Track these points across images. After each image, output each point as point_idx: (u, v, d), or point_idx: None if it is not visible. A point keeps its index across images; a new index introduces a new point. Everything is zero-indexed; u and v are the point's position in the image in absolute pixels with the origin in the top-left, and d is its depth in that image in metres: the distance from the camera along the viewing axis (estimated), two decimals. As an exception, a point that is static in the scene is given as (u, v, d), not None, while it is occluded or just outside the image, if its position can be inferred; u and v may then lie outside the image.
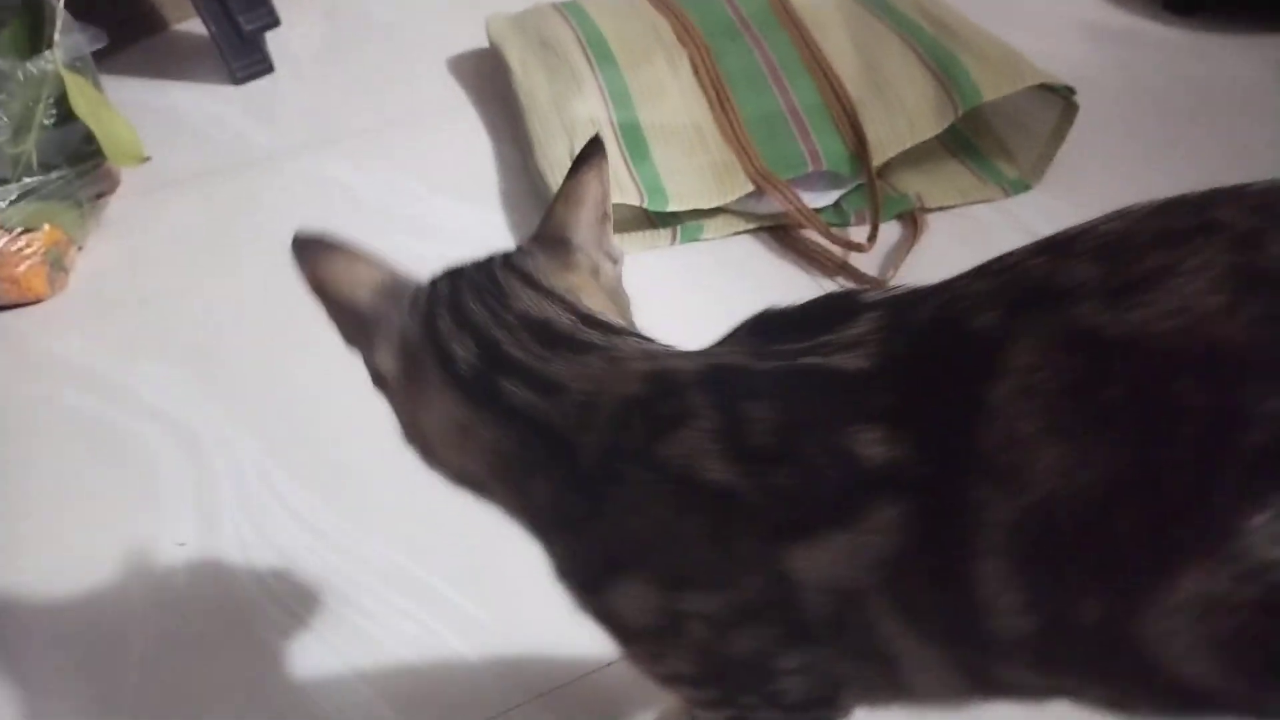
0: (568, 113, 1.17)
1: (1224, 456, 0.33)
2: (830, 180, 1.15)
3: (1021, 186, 1.17)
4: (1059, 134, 1.15)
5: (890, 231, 1.13)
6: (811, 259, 1.10)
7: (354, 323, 0.56)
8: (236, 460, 0.93)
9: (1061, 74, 1.17)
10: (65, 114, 1.10)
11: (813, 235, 1.10)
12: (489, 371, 0.51)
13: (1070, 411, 0.36)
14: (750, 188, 1.11)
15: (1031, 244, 0.41)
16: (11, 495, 0.92)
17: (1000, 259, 0.42)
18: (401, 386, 0.55)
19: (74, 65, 1.11)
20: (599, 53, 1.24)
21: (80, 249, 1.15)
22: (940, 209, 1.15)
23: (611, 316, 0.54)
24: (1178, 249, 0.35)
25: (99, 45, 1.13)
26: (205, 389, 1.00)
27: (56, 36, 1.09)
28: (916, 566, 0.41)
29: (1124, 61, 1.40)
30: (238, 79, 1.41)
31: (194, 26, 1.52)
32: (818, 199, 1.14)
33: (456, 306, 0.53)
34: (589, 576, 0.51)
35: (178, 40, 1.54)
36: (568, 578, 0.52)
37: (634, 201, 1.09)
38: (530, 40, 1.30)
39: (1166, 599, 0.34)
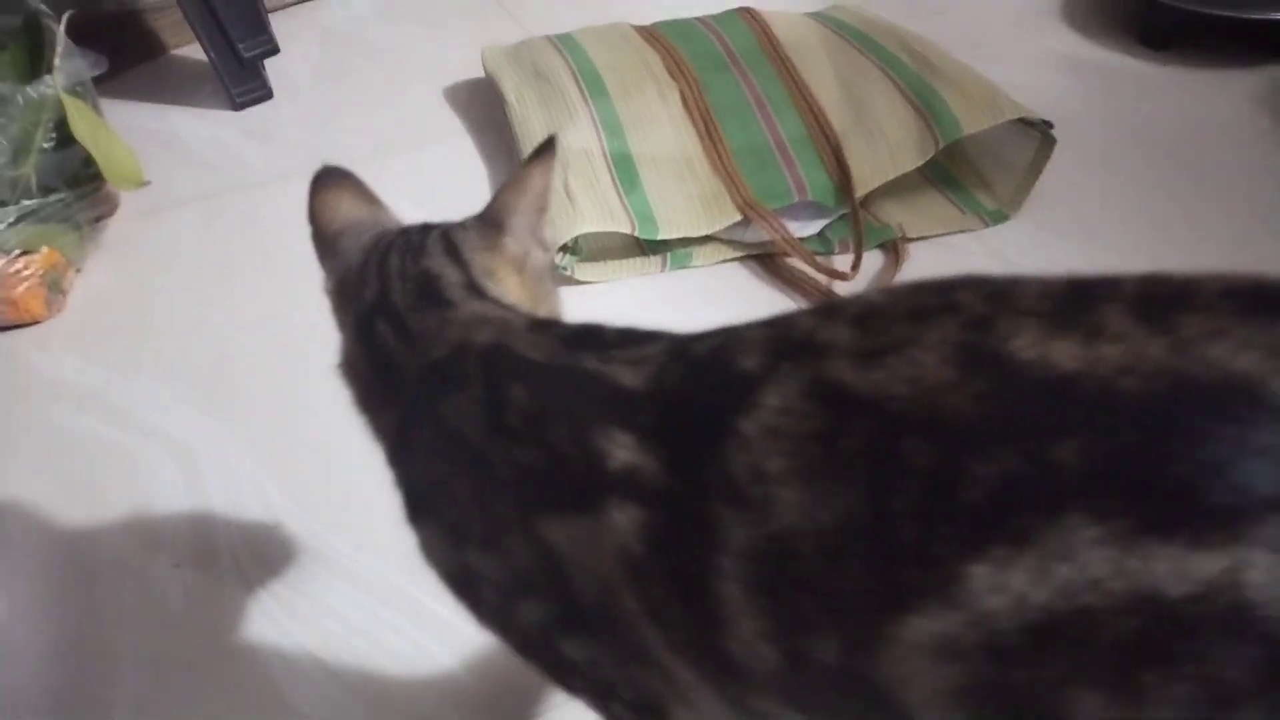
0: (561, 143, 1.20)
1: (946, 510, 0.36)
2: (815, 210, 1.18)
3: (1000, 217, 1.19)
4: (1036, 167, 1.18)
5: (873, 260, 1.15)
6: (797, 287, 1.12)
7: (323, 250, 0.64)
8: (233, 480, 0.94)
9: (1039, 106, 1.20)
10: (65, 137, 1.12)
11: (798, 263, 1.13)
12: (375, 313, 0.57)
13: (814, 455, 0.39)
14: (738, 217, 1.14)
15: (810, 306, 0.45)
16: (6, 515, 0.93)
17: (779, 315, 0.46)
18: (335, 315, 0.63)
19: (74, 89, 1.13)
20: (592, 84, 1.27)
21: (78, 271, 1.16)
22: (921, 238, 1.18)
23: (507, 293, 0.58)
24: (921, 324, 0.39)
25: (100, 70, 1.16)
26: (202, 409, 1.01)
27: (57, 61, 1.11)
28: (659, 575, 0.44)
29: (1101, 94, 1.44)
30: (237, 104, 1.44)
31: (193, 51, 1.54)
32: (803, 228, 1.17)
33: (383, 256, 0.59)
34: (408, 514, 0.56)
35: (177, 65, 1.57)
36: (404, 512, 0.57)
37: (626, 229, 1.12)
38: (525, 71, 1.33)
39: (898, 636, 0.36)
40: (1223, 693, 0.32)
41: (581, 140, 1.20)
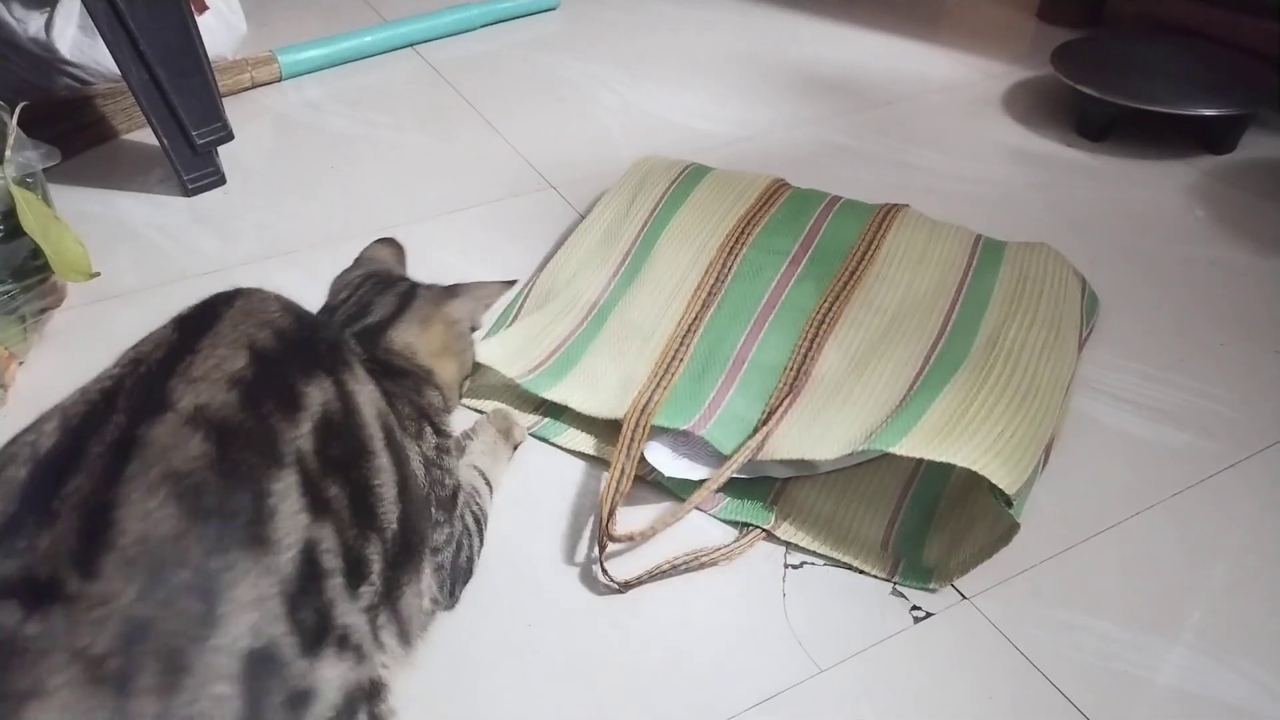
0: (573, 286, 1.17)
1: None
2: (707, 456, 0.97)
3: (917, 577, 0.89)
4: (986, 551, 0.88)
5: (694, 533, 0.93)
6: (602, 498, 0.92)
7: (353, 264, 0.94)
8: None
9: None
10: (13, 229, 1.09)
11: (612, 478, 0.93)
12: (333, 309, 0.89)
13: None
14: (619, 417, 0.98)
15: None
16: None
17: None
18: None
19: (25, 181, 1.10)
20: (643, 244, 1.20)
21: (21, 364, 1.13)
22: (800, 549, 0.93)
23: (430, 341, 0.85)
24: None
25: (52, 162, 1.13)
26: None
27: (8, 153, 1.09)
28: None
29: (1044, 183, 1.49)
30: (189, 190, 1.42)
31: (144, 136, 1.53)
32: (686, 468, 0.96)
33: (363, 281, 0.89)
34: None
35: (127, 150, 1.55)
36: None
37: (511, 375, 1.04)
38: (622, 204, 1.28)
39: None
40: None
41: (589, 289, 1.16)
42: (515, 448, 1.01)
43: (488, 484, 0.93)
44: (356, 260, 0.94)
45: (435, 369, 0.83)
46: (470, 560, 0.85)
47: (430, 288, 0.87)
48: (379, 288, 0.85)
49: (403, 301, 0.83)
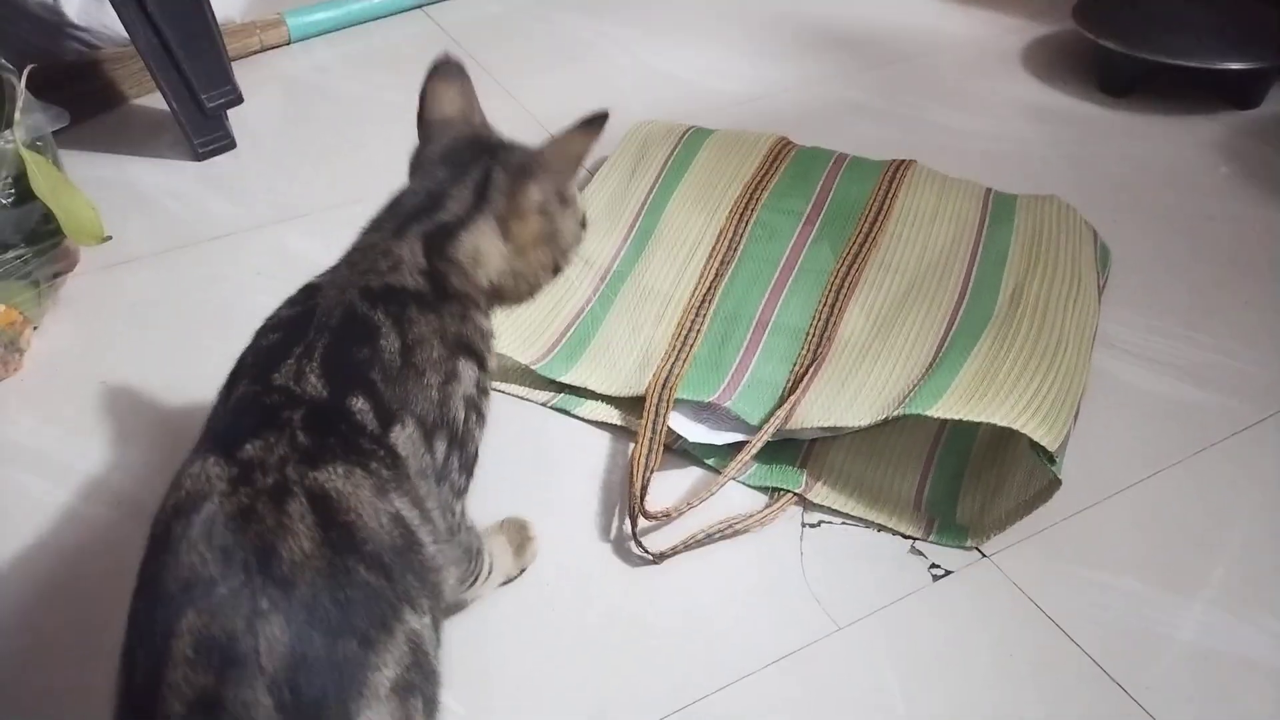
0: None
1: None
2: (734, 423, 0.97)
3: (953, 537, 0.89)
4: (1029, 505, 0.87)
5: (734, 499, 0.92)
6: (629, 467, 0.91)
7: (420, 130, 0.80)
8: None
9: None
10: (24, 193, 1.08)
11: (640, 454, 0.92)
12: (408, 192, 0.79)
13: None
14: (641, 392, 0.97)
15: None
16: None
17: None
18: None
19: (34, 144, 1.09)
20: (652, 208, 1.19)
21: (36, 329, 1.13)
22: (837, 513, 0.92)
23: (521, 233, 0.75)
24: None
25: (61, 124, 1.13)
26: (165, 472, 0.98)
27: (17, 115, 1.08)
28: None
29: (1065, 139, 1.47)
30: (199, 155, 1.41)
31: (153, 101, 1.52)
32: (707, 434, 0.96)
33: (437, 164, 0.78)
34: None
35: (137, 115, 1.54)
36: None
37: (524, 360, 1.02)
38: (625, 169, 1.26)
39: None
40: None
41: (599, 257, 1.14)
42: (522, 570, 0.87)
43: (489, 569, 0.81)
44: (421, 124, 0.80)
45: (515, 267, 0.74)
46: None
47: (508, 160, 0.74)
48: (455, 172, 0.74)
49: (478, 195, 0.72)
